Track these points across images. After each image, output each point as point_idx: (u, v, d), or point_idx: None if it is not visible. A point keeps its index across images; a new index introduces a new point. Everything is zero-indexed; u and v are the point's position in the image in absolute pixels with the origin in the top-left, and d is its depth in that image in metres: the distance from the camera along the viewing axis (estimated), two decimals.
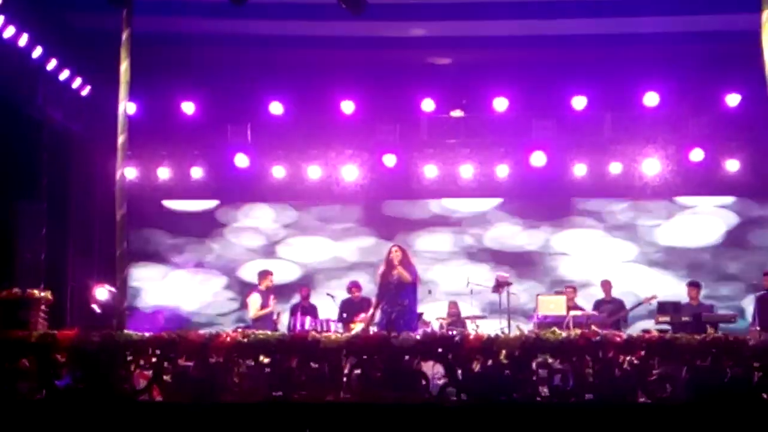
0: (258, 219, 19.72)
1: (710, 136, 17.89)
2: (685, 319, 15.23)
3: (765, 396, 11.40)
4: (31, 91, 16.23)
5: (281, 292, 17.17)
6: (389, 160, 18.48)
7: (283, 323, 16.41)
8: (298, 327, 15.55)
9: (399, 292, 14.07)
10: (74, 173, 18.11)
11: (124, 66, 13.33)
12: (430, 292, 16.73)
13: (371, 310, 14.33)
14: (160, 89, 17.47)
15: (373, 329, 13.72)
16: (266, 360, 11.94)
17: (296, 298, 17.58)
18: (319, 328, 15.37)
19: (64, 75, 16.82)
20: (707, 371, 11.49)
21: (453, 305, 17.40)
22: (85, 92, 17.61)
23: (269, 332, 12.62)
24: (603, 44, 16.77)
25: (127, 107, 13.49)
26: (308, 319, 15.88)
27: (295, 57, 17.40)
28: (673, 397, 11.53)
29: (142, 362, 12.05)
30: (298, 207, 19.54)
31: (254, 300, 16.16)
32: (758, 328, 14.89)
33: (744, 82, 16.35)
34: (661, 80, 17.27)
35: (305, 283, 18.39)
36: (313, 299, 17.43)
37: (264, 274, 16.51)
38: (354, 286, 16.68)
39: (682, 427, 10.50)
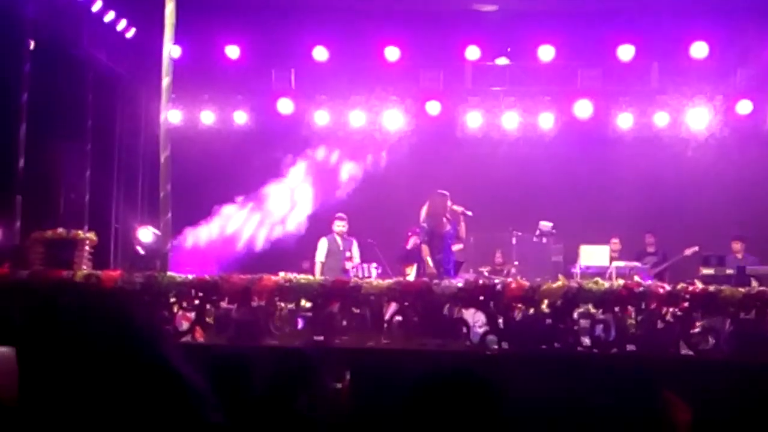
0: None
1: (759, 88, 17.61)
2: (729, 272, 15.13)
3: None
4: (76, 32, 16.26)
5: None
6: (433, 107, 18.35)
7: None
8: None
9: (453, 242, 14.16)
10: (119, 115, 18.19)
11: (170, 8, 13.33)
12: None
13: (427, 258, 14.11)
14: (204, 33, 17.41)
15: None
16: (308, 304, 12.01)
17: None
18: (360, 274, 15.37)
19: (110, 17, 16.81)
20: (751, 324, 11.44)
21: (498, 255, 17.41)
22: (130, 34, 17.59)
23: (311, 277, 12.68)
24: None
25: (171, 50, 13.50)
26: (350, 265, 15.88)
27: (340, 1, 17.32)
28: (716, 349, 11.49)
29: (184, 304, 12.16)
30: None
31: (321, 244, 16.02)
32: None
33: None
34: (710, 29, 17.01)
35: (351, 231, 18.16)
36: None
37: (334, 219, 16.32)
38: (414, 233, 16.27)
39: (725, 380, 10.43)
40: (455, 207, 14.11)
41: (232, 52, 17.92)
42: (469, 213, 14.18)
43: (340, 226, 16.06)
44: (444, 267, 13.83)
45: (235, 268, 14.51)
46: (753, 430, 9.54)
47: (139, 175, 18.41)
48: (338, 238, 16.02)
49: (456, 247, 14.87)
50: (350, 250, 15.97)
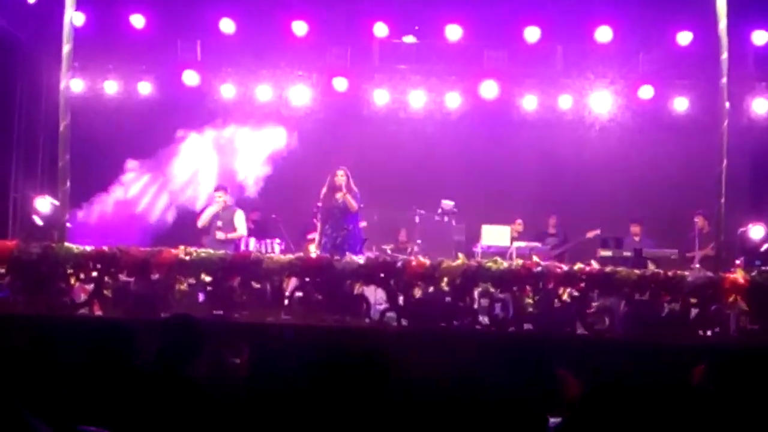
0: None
1: (660, 74, 17.89)
2: (626, 254, 15.39)
3: (701, 332, 11.61)
4: None
5: None
6: (340, 83, 18.30)
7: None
8: (243, 247, 15.44)
9: (344, 217, 14.14)
10: (20, 82, 17.77)
11: None
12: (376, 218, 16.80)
13: (315, 235, 14.39)
14: (109, 0, 17.13)
15: (316, 252, 13.76)
16: (208, 278, 11.94)
17: None
18: (263, 250, 15.32)
19: None
20: (645, 305, 11.65)
21: (402, 233, 17.48)
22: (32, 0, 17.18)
23: (212, 251, 12.60)
24: None
25: (73, 16, 13.25)
26: (253, 240, 15.79)
27: None
28: (611, 329, 11.69)
29: (82, 276, 11.99)
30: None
31: (204, 213, 15.72)
32: (698, 266, 15.08)
33: (696, 20, 16.32)
34: (614, 14, 17.18)
35: (256, 206, 18.04)
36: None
37: (214, 189, 16.00)
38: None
39: (619, 360, 10.61)
40: (339, 178, 14.18)
41: (137, 21, 17.63)
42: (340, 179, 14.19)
43: (217, 196, 15.65)
44: (331, 241, 13.95)
45: (137, 241, 14.35)
46: (641, 406, 9.72)
47: (39, 145, 18.05)
48: (217, 208, 15.58)
49: (361, 224, 14.92)
50: (225, 220, 15.43)
